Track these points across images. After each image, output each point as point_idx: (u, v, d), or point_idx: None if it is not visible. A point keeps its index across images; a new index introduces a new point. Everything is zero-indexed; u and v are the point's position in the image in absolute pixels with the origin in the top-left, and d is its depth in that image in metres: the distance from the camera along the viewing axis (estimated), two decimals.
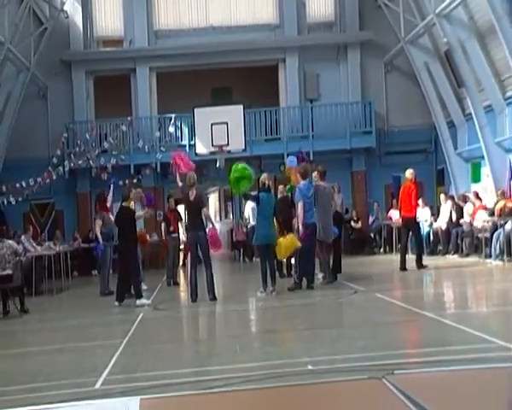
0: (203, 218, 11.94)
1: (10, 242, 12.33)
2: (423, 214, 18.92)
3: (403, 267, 14.39)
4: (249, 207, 20.59)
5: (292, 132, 22.25)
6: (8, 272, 11.80)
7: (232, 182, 11.85)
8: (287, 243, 12.07)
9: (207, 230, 11.98)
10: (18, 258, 12.09)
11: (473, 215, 16.79)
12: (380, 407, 2.04)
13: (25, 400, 5.49)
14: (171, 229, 15.23)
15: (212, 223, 12.99)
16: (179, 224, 15.43)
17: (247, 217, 20.39)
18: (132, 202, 13.10)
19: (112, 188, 14.68)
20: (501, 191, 16.12)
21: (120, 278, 12.14)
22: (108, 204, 14.29)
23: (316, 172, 12.92)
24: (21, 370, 7.10)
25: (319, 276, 13.11)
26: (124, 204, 12.34)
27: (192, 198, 11.70)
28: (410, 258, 17.93)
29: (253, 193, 12.72)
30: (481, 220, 15.93)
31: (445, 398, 2.02)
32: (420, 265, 14.46)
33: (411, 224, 14.84)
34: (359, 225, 21.77)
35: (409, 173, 14.90)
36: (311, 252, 12.34)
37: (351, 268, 15.55)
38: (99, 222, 13.89)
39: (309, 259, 12.25)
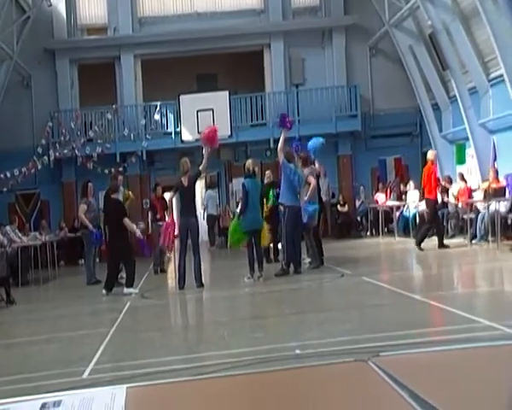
0: (196, 205, 11.98)
1: None
2: (412, 196, 19.05)
3: (442, 244, 14.52)
4: (208, 195, 20.82)
5: (277, 117, 22.14)
6: None
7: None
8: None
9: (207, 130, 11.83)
10: (2, 249, 12.05)
11: (458, 196, 16.88)
12: (365, 389, 2.03)
13: (12, 391, 5.48)
14: (158, 217, 15.14)
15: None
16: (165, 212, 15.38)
17: (205, 204, 20.54)
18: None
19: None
20: (493, 169, 16.12)
21: (112, 268, 12.09)
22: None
23: (298, 159, 12.86)
24: (9, 361, 7.09)
25: (306, 261, 13.14)
26: (113, 196, 12.24)
27: (186, 184, 11.67)
28: (398, 241, 18.06)
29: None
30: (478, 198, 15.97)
31: (431, 378, 2.02)
32: (419, 244, 14.50)
33: (429, 205, 14.82)
34: (346, 208, 21.83)
35: (430, 154, 14.82)
36: (296, 236, 12.34)
37: (338, 252, 15.63)
38: (83, 207, 13.72)
39: (294, 244, 12.25)
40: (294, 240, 12.23)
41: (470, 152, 19.09)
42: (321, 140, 13.28)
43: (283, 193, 12.22)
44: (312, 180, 12.42)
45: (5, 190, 20.76)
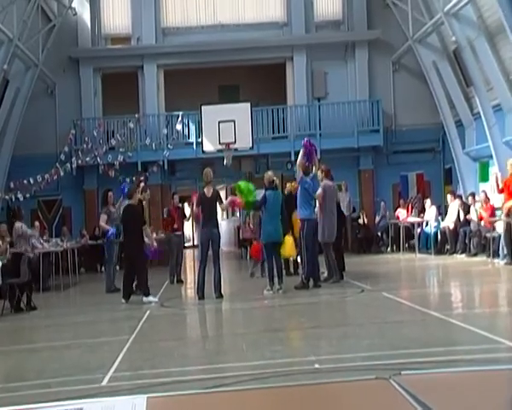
0: (217, 215, 12.01)
1: (18, 225, 12.50)
2: (430, 214, 18.90)
3: None
4: None
5: (299, 131, 22.19)
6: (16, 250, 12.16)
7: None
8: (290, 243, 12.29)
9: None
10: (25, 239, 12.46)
11: (481, 214, 16.70)
12: (387, 408, 2.03)
13: (31, 396, 5.51)
14: (175, 226, 15.10)
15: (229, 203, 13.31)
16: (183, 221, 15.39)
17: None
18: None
19: None
20: None
21: (126, 276, 12.14)
22: None
23: (320, 172, 12.82)
24: (28, 366, 7.12)
25: (325, 274, 13.05)
26: (129, 202, 12.32)
27: (209, 195, 11.72)
28: (419, 257, 17.90)
29: (259, 197, 12.56)
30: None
31: (454, 400, 2.01)
32: None
33: None
34: (366, 223, 21.72)
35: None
36: (314, 249, 12.29)
37: (358, 267, 15.54)
38: (104, 216, 13.88)
39: (313, 257, 12.19)
40: (313, 253, 12.20)
41: (494, 170, 18.90)
42: None
43: (300, 207, 12.22)
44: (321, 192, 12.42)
45: (28, 195, 20.96)
